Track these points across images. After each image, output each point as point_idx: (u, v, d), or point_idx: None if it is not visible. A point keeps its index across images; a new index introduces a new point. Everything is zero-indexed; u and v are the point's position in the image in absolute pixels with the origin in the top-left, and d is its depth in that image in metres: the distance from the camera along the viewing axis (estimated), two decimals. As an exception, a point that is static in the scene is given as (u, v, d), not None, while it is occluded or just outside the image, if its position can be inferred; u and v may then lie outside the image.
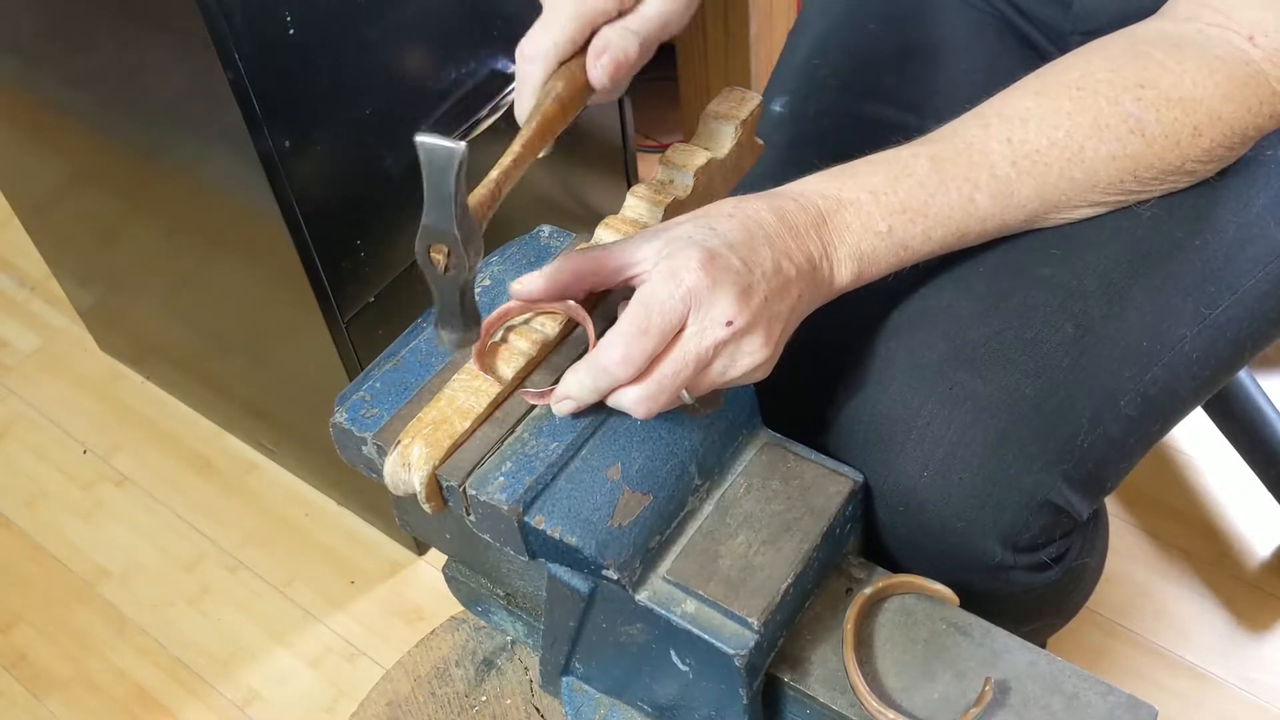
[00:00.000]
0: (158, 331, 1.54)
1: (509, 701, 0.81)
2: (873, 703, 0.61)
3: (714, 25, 1.62)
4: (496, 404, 0.62)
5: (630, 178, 1.53)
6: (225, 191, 1.09)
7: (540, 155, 0.64)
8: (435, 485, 0.60)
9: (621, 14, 0.65)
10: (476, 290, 0.69)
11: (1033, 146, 0.65)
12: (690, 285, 0.57)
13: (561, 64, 0.64)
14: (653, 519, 0.61)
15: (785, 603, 0.61)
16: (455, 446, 0.61)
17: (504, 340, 0.64)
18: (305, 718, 1.33)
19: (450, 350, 0.63)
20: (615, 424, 0.62)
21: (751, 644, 0.59)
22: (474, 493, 0.59)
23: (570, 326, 0.66)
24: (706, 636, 0.60)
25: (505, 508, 0.58)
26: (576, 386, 0.60)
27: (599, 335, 0.59)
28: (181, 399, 1.65)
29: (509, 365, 0.63)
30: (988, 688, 0.61)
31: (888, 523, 0.69)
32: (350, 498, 1.50)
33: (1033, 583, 0.71)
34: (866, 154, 0.66)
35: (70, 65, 1.13)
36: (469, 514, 0.61)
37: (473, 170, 0.54)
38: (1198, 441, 1.42)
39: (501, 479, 0.59)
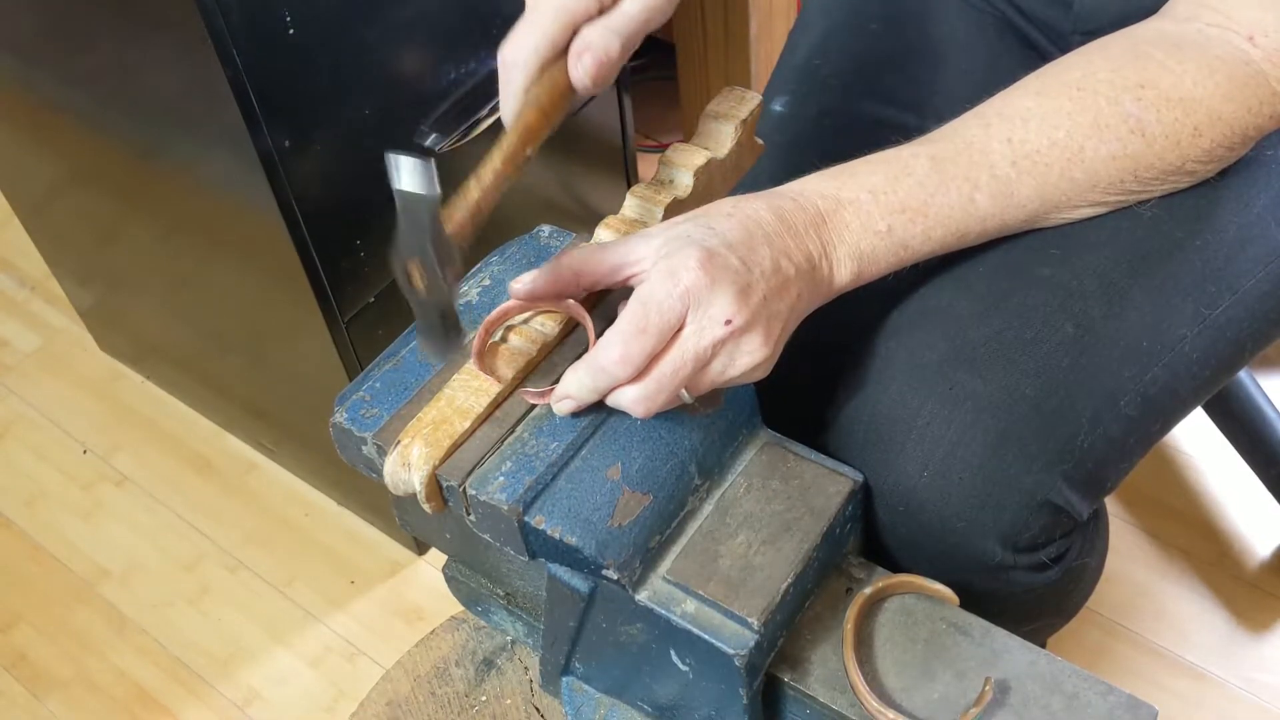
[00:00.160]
0: (158, 331, 1.54)
1: (509, 701, 0.81)
2: (873, 703, 0.61)
3: (714, 25, 1.62)
4: (496, 404, 0.62)
5: (630, 178, 1.53)
6: (225, 191, 1.09)
7: (528, 155, 0.63)
8: (435, 485, 0.60)
9: (602, 11, 0.64)
10: (477, 290, 0.69)
11: (1033, 146, 0.65)
12: (689, 284, 0.57)
13: (544, 67, 0.64)
14: (653, 519, 0.61)
15: (785, 603, 0.61)
16: (455, 446, 0.61)
17: (504, 340, 0.64)
18: (305, 718, 1.33)
19: (430, 359, 0.64)
20: (615, 424, 0.62)
21: (751, 644, 0.59)
22: (474, 493, 0.59)
23: (570, 326, 0.66)
24: (706, 636, 0.60)
25: (505, 508, 0.58)
26: (576, 386, 0.60)
27: (599, 334, 0.59)
28: (181, 399, 1.65)
29: (509, 365, 0.63)
30: (988, 688, 0.61)
31: (888, 523, 0.69)
32: (350, 498, 1.50)
33: (1033, 583, 0.71)
34: (866, 154, 0.66)
35: (70, 65, 1.13)
36: (469, 514, 0.61)
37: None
38: (1198, 441, 1.42)
39: (501, 479, 0.59)
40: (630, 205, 0.70)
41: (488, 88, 1.16)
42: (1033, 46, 0.88)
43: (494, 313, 0.65)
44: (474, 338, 0.64)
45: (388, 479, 0.61)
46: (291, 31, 0.96)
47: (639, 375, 0.58)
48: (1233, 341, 0.71)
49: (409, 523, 0.76)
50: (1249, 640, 1.27)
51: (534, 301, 0.63)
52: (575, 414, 0.62)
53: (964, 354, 0.68)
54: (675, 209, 0.70)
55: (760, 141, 0.76)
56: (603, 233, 0.68)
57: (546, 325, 0.64)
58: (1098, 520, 0.82)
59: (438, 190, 0.55)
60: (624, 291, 0.62)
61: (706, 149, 0.72)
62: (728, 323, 0.57)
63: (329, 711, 1.33)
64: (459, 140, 1.13)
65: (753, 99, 0.73)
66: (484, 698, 0.81)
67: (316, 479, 1.52)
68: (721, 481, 0.66)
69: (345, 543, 1.48)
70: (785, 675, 0.64)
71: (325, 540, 1.48)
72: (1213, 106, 0.64)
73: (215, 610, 1.43)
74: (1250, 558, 1.33)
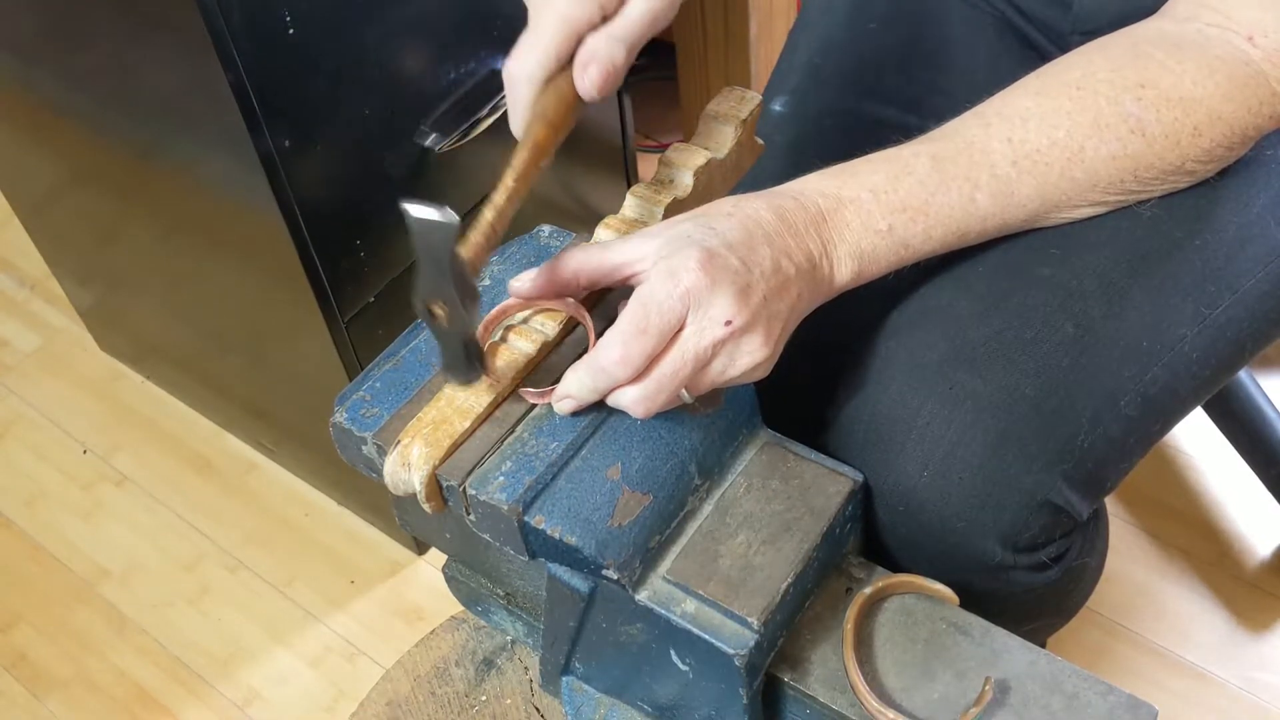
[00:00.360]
0: (157, 331, 1.54)
1: (509, 701, 0.81)
2: (873, 702, 0.61)
3: (714, 25, 1.62)
4: (496, 404, 0.62)
5: (630, 177, 1.53)
6: (225, 191, 1.09)
7: (540, 168, 0.63)
8: (435, 485, 0.60)
9: (605, 19, 0.64)
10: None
11: (1033, 146, 0.65)
12: (689, 285, 0.57)
13: (549, 79, 0.64)
14: (653, 519, 0.61)
15: (785, 603, 0.61)
16: (455, 446, 0.61)
17: (504, 340, 0.64)
18: (305, 718, 1.33)
19: (455, 384, 0.64)
20: (615, 423, 0.62)
21: (751, 644, 0.59)
22: (474, 492, 0.59)
23: (570, 326, 0.66)
24: (706, 636, 0.60)
25: (505, 507, 0.58)
26: (576, 386, 0.60)
27: (599, 334, 0.59)
28: (181, 399, 1.65)
29: (509, 365, 0.63)
30: (988, 687, 0.61)
31: (888, 523, 0.69)
32: (350, 498, 1.50)
33: (1033, 582, 0.71)
34: (867, 154, 0.66)
35: (70, 65, 1.13)
36: (469, 514, 0.61)
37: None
38: (1198, 441, 1.42)
39: (501, 479, 0.59)
40: (630, 205, 0.70)
41: (488, 88, 1.16)
42: (1032, 46, 0.88)
43: (493, 311, 0.65)
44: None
45: (388, 479, 0.61)
46: (291, 31, 0.96)
47: (639, 376, 0.58)
48: (1233, 341, 0.71)
49: (409, 523, 0.76)
50: (1249, 640, 1.27)
51: (533, 300, 0.63)
52: (575, 413, 0.62)
53: (964, 354, 0.68)
54: (675, 209, 0.70)
55: (760, 141, 0.76)
56: (603, 233, 0.68)
57: (546, 325, 0.64)
58: (1098, 520, 0.82)
59: (456, 220, 0.54)
60: (624, 291, 0.62)
61: (706, 149, 0.72)
62: (728, 323, 0.57)
63: (329, 711, 1.33)
64: (459, 140, 1.13)
65: (753, 99, 0.73)
66: (484, 698, 0.81)
67: (316, 479, 1.52)
68: (721, 481, 0.66)
69: (345, 543, 1.48)
70: (785, 675, 0.64)
71: (325, 540, 1.48)
72: (1212, 106, 0.64)
73: (215, 610, 1.43)
74: (1250, 558, 1.33)
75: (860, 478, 0.66)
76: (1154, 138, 0.65)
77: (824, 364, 0.72)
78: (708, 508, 0.64)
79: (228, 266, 1.23)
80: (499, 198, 0.60)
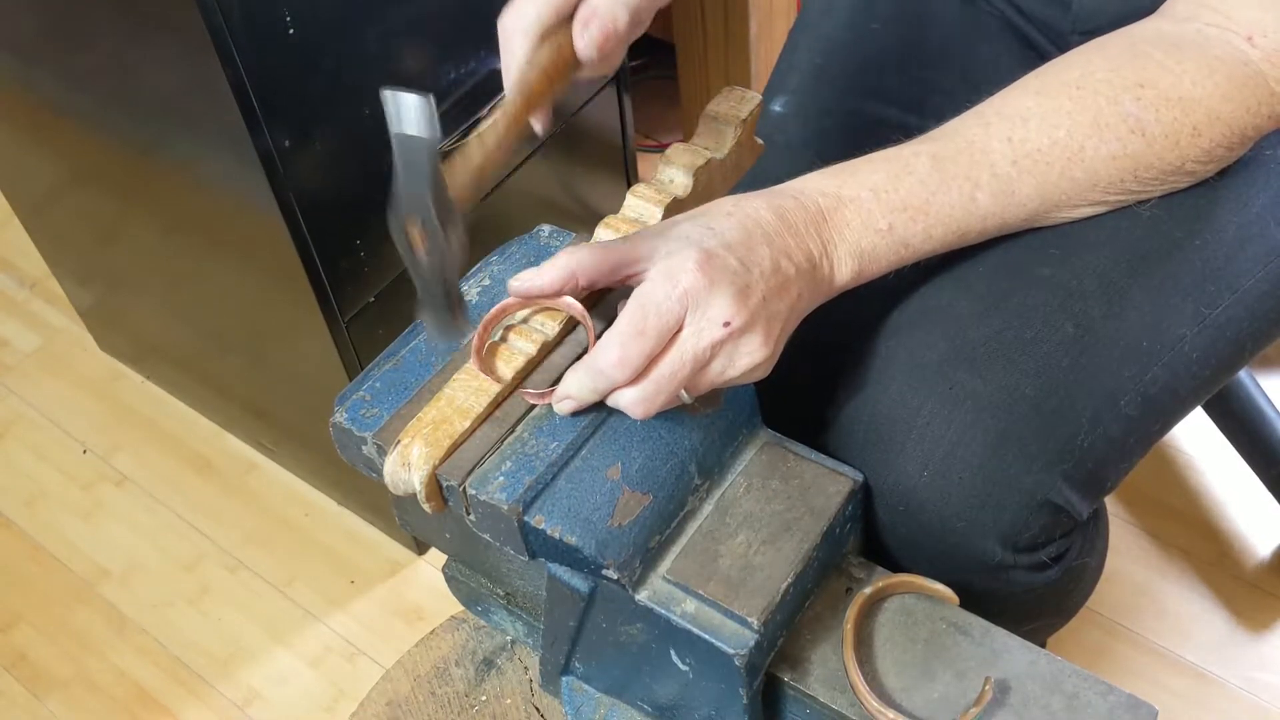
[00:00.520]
0: (157, 331, 1.54)
1: (509, 701, 0.81)
2: (873, 702, 0.61)
3: (714, 25, 1.62)
4: (496, 403, 0.62)
5: (630, 177, 1.53)
6: (225, 191, 1.09)
7: (540, 135, 0.62)
8: (435, 485, 0.60)
9: None
10: (477, 290, 0.69)
11: (1034, 146, 0.65)
12: (687, 286, 0.57)
13: (546, 36, 0.63)
14: (653, 519, 0.61)
15: (785, 602, 0.61)
16: (455, 446, 0.61)
17: (504, 340, 0.64)
18: (305, 718, 1.33)
19: (436, 340, 0.62)
20: (615, 423, 0.62)
21: (751, 644, 0.59)
22: (474, 492, 0.59)
23: (570, 326, 0.66)
24: (706, 636, 0.60)
25: (505, 507, 0.58)
26: (576, 387, 0.60)
27: (599, 334, 0.59)
28: (181, 399, 1.65)
29: (509, 365, 0.63)
30: (988, 687, 0.61)
31: (888, 522, 0.69)
32: (350, 498, 1.50)
33: (1033, 582, 0.71)
34: (867, 153, 0.66)
35: (70, 65, 1.13)
36: (469, 514, 0.61)
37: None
38: (1198, 441, 1.42)
39: (501, 478, 0.59)
40: (630, 205, 0.70)
41: (488, 88, 1.16)
42: (1032, 46, 0.88)
43: (493, 310, 0.64)
44: (473, 336, 0.64)
45: (388, 479, 0.61)
46: (291, 31, 0.96)
47: (638, 377, 0.58)
48: (1232, 341, 0.71)
49: (409, 523, 0.76)
50: (1249, 640, 1.27)
51: (533, 299, 0.63)
52: (575, 413, 0.62)
53: (964, 354, 0.68)
54: (675, 209, 0.70)
55: (760, 141, 0.76)
56: (603, 232, 0.68)
57: (546, 325, 0.64)
58: (1098, 520, 0.82)
59: (439, 132, 0.52)
60: (624, 291, 0.62)
61: (706, 149, 0.72)
62: (726, 324, 0.57)
63: (329, 711, 1.33)
64: (459, 140, 1.13)
65: (753, 99, 0.73)
66: (484, 698, 0.81)
67: (316, 479, 1.52)
68: (721, 481, 0.66)
69: (345, 543, 1.48)
70: (785, 675, 0.64)
71: (325, 540, 1.48)
72: (1212, 107, 0.64)
73: (215, 610, 1.43)
74: (1250, 558, 1.33)
75: (860, 478, 0.66)
76: (1154, 138, 0.65)
77: (824, 364, 0.72)
78: (708, 508, 0.64)
79: (228, 266, 1.23)
80: (488, 136, 0.58)
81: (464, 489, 0.59)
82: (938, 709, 0.62)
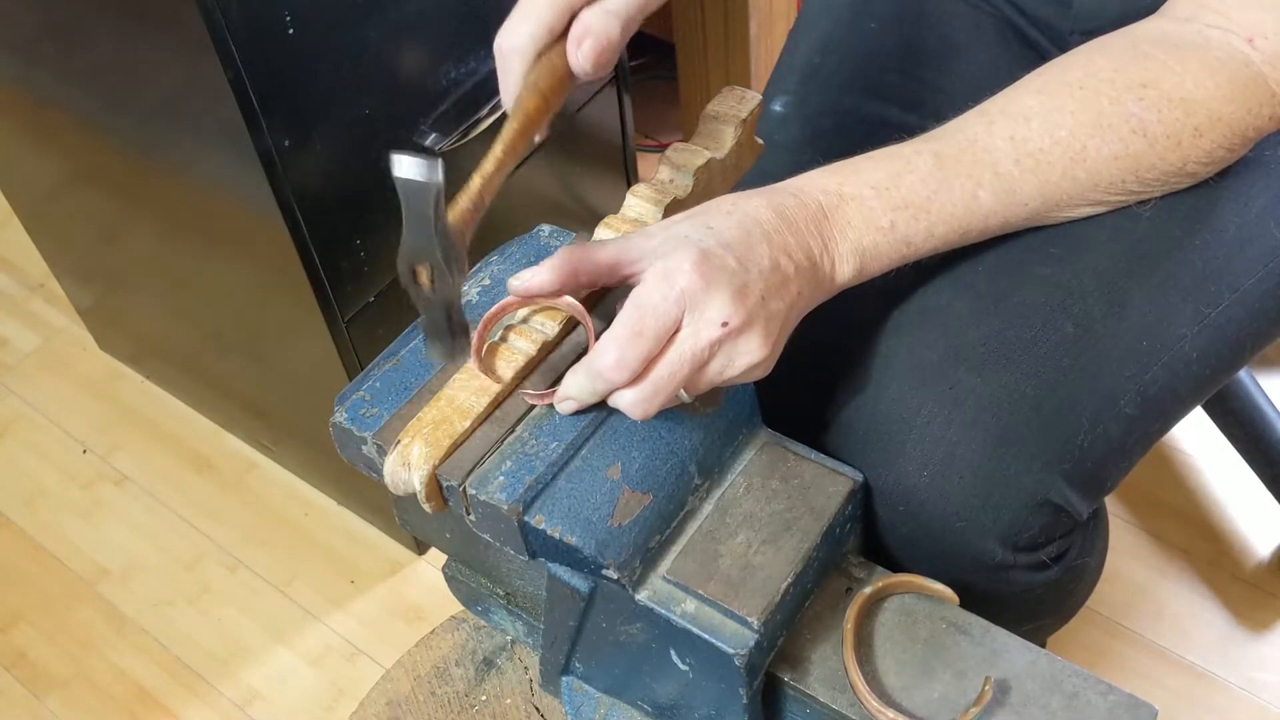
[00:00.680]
0: (157, 331, 1.54)
1: (509, 701, 0.81)
2: (873, 702, 0.61)
3: (714, 25, 1.62)
4: (496, 403, 0.62)
5: (630, 177, 1.53)
6: (224, 190, 1.09)
7: (536, 140, 0.63)
8: (435, 485, 0.60)
9: None
10: (476, 290, 0.69)
11: (1036, 145, 0.65)
12: (684, 286, 0.56)
13: (541, 54, 0.63)
14: (653, 518, 0.61)
15: (785, 602, 0.61)
16: (455, 446, 0.61)
17: (504, 340, 0.64)
18: (305, 717, 1.33)
19: (439, 362, 0.64)
20: (615, 423, 0.62)
21: (751, 643, 0.59)
22: (474, 492, 0.59)
23: (570, 326, 0.66)
24: (706, 636, 0.60)
25: (505, 507, 0.58)
26: (575, 388, 0.60)
27: (599, 334, 0.59)
28: (181, 398, 1.65)
29: (509, 365, 0.63)
30: (987, 687, 0.61)
31: (888, 522, 0.69)
32: (350, 497, 1.50)
33: (1032, 582, 0.71)
34: (867, 153, 0.66)
35: (70, 64, 1.13)
36: (469, 513, 0.61)
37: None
38: (1198, 441, 1.42)
39: (501, 478, 0.59)
40: (630, 205, 0.70)
41: (488, 87, 1.16)
42: (1032, 46, 0.88)
43: (493, 309, 0.64)
44: (474, 335, 0.64)
45: (388, 479, 0.61)
46: (291, 31, 0.96)
47: (636, 378, 0.58)
48: (1232, 341, 0.71)
49: (409, 522, 0.76)
50: (1249, 640, 1.27)
51: (533, 299, 0.63)
52: (575, 413, 0.62)
53: (964, 353, 0.68)
54: (675, 209, 0.70)
55: (760, 141, 0.76)
56: (603, 232, 0.68)
57: (546, 325, 0.64)
58: (1098, 520, 0.82)
59: (441, 180, 0.54)
60: (624, 290, 0.62)
61: (706, 149, 0.72)
62: (724, 324, 0.57)
63: (329, 711, 1.33)
64: (459, 140, 1.13)
65: (753, 99, 0.73)
66: (484, 697, 0.81)
67: (316, 478, 1.52)
68: (721, 481, 0.66)
69: (345, 542, 1.48)
70: (785, 675, 0.64)
71: (325, 540, 1.48)
72: (1213, 108, 0.64)
73: (215, 610, 1.43)
74: (1250, 558, 1.33)
75: (860, 477, 0.66)
76: (1156, 138, 0.65)
77: (824, 364, 0.72)
78: (708, 507, 0.64)
79: (227, 266, 1.23)
80: (487, 166, 0.60)
81: (464, 489, 0.59)
82: (938, 709, 0.62)
